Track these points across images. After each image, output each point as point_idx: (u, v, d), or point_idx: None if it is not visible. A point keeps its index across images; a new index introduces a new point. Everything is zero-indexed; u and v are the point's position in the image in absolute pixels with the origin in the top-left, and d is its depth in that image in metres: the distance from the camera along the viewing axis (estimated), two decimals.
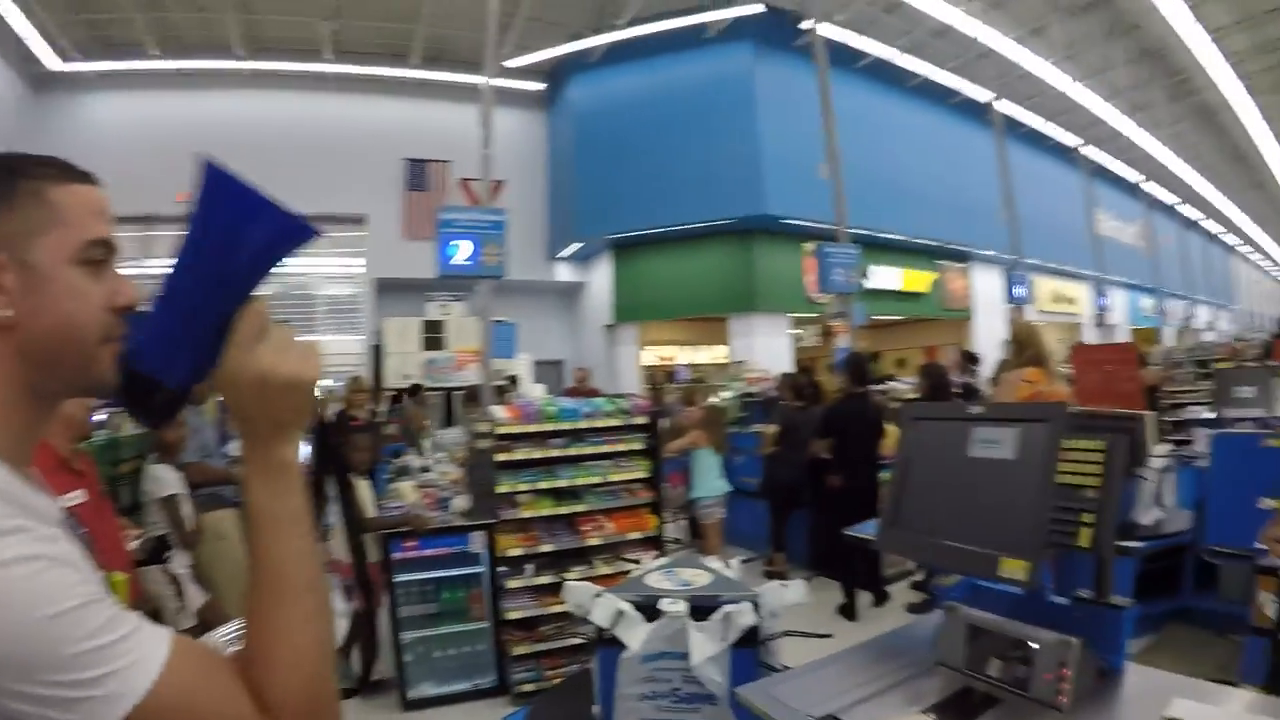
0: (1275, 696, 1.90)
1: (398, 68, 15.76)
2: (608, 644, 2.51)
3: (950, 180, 17.66)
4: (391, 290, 15.74)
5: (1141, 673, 1.85)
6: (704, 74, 14.91)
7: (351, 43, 15.00)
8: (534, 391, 11.77)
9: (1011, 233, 13.93)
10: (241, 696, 0.80)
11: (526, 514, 4.98)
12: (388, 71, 15.80)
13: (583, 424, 5.28)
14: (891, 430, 6.24)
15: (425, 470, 6.15)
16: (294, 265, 15.89)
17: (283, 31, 14.36)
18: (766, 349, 14.35)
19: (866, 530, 2.80)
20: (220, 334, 0.84)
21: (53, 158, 0.87)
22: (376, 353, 14.30)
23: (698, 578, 2.77)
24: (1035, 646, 1.73)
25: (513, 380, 11.67)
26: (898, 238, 16.71)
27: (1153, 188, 24.66)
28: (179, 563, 4.15)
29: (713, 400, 9.18)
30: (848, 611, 6.13)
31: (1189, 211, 27.84)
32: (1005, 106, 16.87)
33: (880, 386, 9.06)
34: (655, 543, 5.29)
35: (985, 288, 19.42)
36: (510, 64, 14.64)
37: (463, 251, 6.47)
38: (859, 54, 15.75)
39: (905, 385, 9.71)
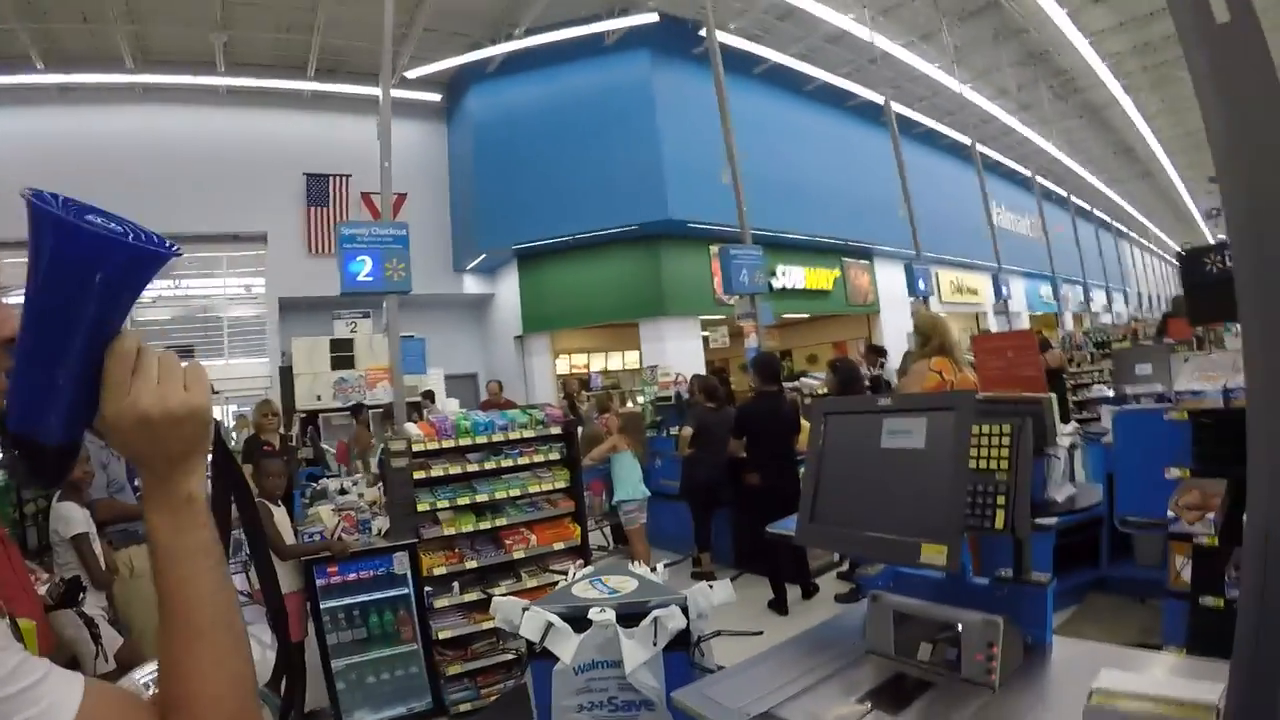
0: (1197, 656, 2.01)
1: (294, 80, 15.33)
2: (540, 657, 2.51)
3: (850, 180, 18.18)
4: (297, 309, 15.32)
5: (1068, 645, 1.92)
6: (603, 82, 14.97)
7: (245, 55, 14.50)
8: (449, 406, 11.62)
9: (911, 228, 14.35)
10: None
11: (449, 531, 4.94)
12: (284, 84, 15.35)
13: (499, 437, 5.26)
14: (806, 426, 6.37)
15: (343, 493, 6.02)
16: (194, 287, 15.37)
17: (173, 43, 13.75)
18: (678, 352, 14.43)
19: (787, 526, 2.86)
20: (92, 379, 0.78)
21: None
22: (285, 374, 13.90)
23: (624, 585, 2.80)
24: (961, 628, 1.79)
25: (429, 396, 11.51)
26: (801, 237, 17.09)
27: (1045, 180, 25.85)
28: (93, 604, 3.97)
29: (630, 405, 9.22)
30: (777, 606, 6.23)
31: (1080, 202, 29.23)
32: (900, 108, 17.43)
33: (792, 383, 9.24)
34: (581, 552, 5.30)
35: (889, 282, 19.99)
36: (409, 74, 14.46)
37: (366, 267, 6.35)
38: (756, 60, 16.06)
39: (816, 381, 9.91)
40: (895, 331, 18.69)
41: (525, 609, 2.60)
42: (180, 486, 0.83)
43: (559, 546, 5.21)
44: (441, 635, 4.77)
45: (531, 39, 14.36)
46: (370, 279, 6.38)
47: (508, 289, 16.69)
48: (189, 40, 13.62)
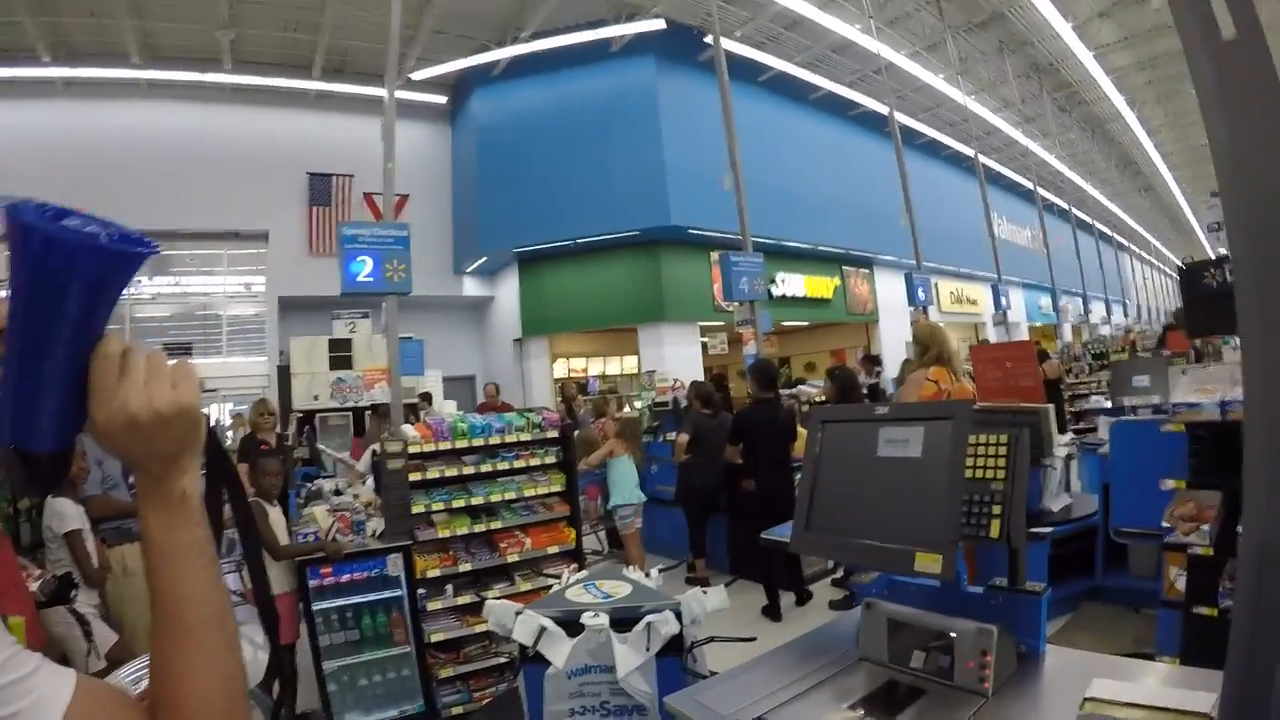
0: (1191, 666, 2.00)
1: (299, 79, 15.37)
2: (532, 661, 2.50)
3: (852, 189, 18.21)
4: (296, 309, 15.32)
5: (1061, 654, 1.92)
6: (608, 88, 15.00)
7: (251, 53, 14.56)
8: (446, 408, 11.61)
9: (913, 238, 14.37)
10: None
11: (444, 534, 4.92)
12: (289, 83, 15.39)
13: (495, 440, 5.25)
14: (803, 433, 6.36)
15: (338, 494, 6.01)
16: (194, 284, 15.37)
17: (179, 40, 13.79)
18: (676, 358, 14.45)
19: (782, 533, 2.85)
20: (79, 385, 0.77)
21: None
22: (283, 373, 13.89)
23: (618, 589, 2.79)
24: (955, 636, 1.79)
25: (426, 398, 11.50)
26: (802, 245, 17.11)
27: (1047, 192, 25.93)
28: (85, 601, 3.96)
29: (627, 410, 9.20)
30: (771, 613, 6.22)
31: (1081, 214, 29.35)
32: (904, 118, 17.48)
33: (789, 390, 9.24)
34: (575, 556, 5.28)
35: (888, 291, 20.02)
36: (414, 76, 14.47)
37: (367, 268, 6.36)
38: (761, 68, 16.10)
39: (814, 388, 9.91)
40: (894, 340, 18.73)
41: (518, 612, 2.59)
42: (174, 484, 0.82)
43: (553, 550, 5.19)
44: (434, 638, 4.74)
45: (537, 43, 14.40)
46: (371, 279, 6.38)
47: (507, 292, 16.71)
48: (195, 37, 13.66)
